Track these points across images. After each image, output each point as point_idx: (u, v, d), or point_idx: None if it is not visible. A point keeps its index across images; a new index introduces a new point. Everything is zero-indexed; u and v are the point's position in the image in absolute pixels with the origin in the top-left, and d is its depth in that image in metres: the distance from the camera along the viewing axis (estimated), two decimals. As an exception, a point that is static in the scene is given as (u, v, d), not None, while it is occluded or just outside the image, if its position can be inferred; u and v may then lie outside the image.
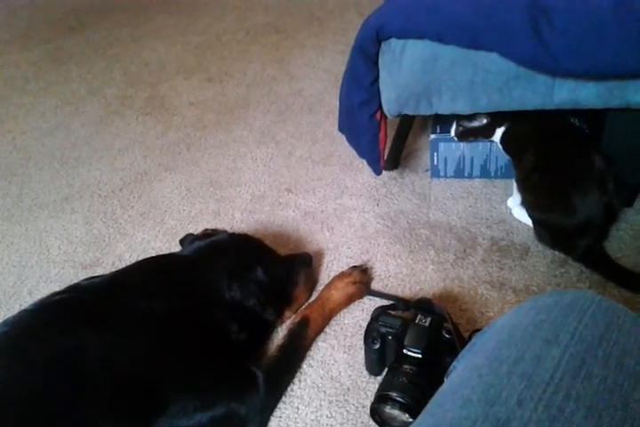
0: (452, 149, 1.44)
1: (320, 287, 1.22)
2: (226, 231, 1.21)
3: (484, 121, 1.30)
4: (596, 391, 0.43)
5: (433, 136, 1.44)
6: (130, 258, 1.40)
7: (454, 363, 0.60)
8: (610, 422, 0.42)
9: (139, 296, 0.96)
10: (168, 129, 1.94)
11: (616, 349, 0.47)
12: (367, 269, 1.25)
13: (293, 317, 1.14)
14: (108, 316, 0.91)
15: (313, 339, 1.11)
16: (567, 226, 1.16)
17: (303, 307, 1.17)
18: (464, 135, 1.36)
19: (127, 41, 2.72)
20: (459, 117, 1.33)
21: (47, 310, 0.93)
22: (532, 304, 0.55)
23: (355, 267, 1.23)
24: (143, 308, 0.94)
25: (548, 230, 1.21)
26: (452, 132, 1.37)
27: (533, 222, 1.25)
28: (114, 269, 1.35)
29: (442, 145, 1.44)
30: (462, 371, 0.52)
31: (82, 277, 1.34)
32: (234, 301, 1.03)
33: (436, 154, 1.46)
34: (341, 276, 1.20)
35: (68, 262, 1.43)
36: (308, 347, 1.10)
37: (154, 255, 1.19)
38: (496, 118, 1.29)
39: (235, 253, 1.11)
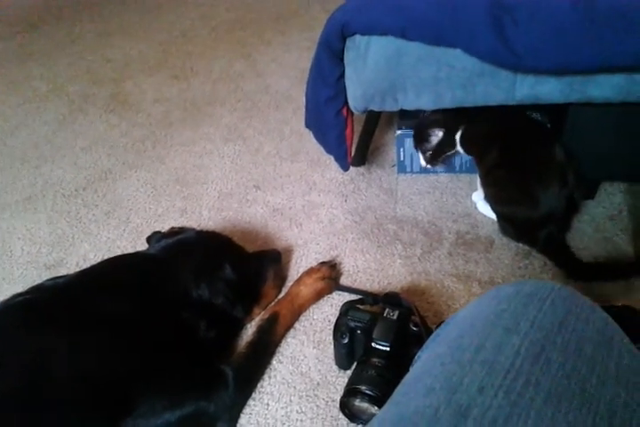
0: None
1: (289, 284, 1.22)
2: (194, 229, 1.20)
3: (440, 133, 1.32)
4: (554, 377, 0.44)
5: (399, 132, 1.45)
6: (94, 258, 1.38)
7: (419, 353, 0.61)
8: (568, 407, 0.43)
9: (104, 296, 0.95)
10: (133, 127, 1.92)
11: (574, 336, 0.49)
12: (336, 264, 1.25)
13: (262, 313, 1.14)
14: (73, 317, 0.90)
15: (282, 335, 1.11)
16: (530, 219, 1.18)
17: (272, 303, 1.17)
18: (435, 158, 1.37)
19: (90, 38, 2.67)
20: (418, 145, 1.36)
21: (11, 312, 0.91)
22: (494, 294, 0.56)
23: (323, 263, 1.24)
24: (109, 308, 0.93)
25: (511, 223, 1.23)
26: (423, 163, 1.38)
27: (497, 216, 1.27)
28: (78, 270, 1.33)
29: (407, 141, 1.45)
30: (425, 360, 0.53)
31: (46, 278, 1.31)
32: (202, 299, 1.03)
33: (402, 150, 1.48)
34: (310, 272, 1.20)
35: (32, 263, 1.40)
36: (277, 343, 1.10)
37: (119, 254, 1.17)
38: (450, 127, 1.32)
39: (203, 252, 1.10)
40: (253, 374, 1.04)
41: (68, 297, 0.94)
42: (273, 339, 1.09)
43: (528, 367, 0.45)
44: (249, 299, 1.14)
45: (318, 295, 1.18)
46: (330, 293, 1.19)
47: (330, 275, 1.20)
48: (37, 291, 0.97)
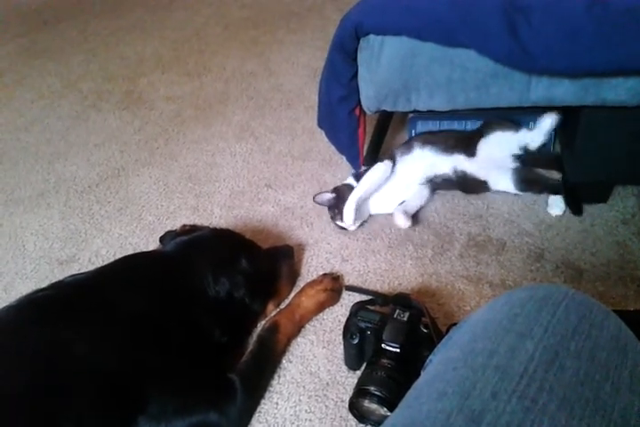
0: (428, 126, 1.48)
1: (300, 283, 1.23)
2: (207, 227, 1.21)
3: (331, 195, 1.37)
4: (568, 383, 0.44)
5: (411, 115, 1.47)
6: (107, 254, 1.39)
7: (430, 356, 0.60)
8: (582, 414, 0.42)
9: (122, 294, 0.95)
10: (145, 124, 1.93)
11: (588, 342, 0.48)
12: (339, 276, 1.23)
13: (263, 323, 1.12)
14: (91, 313, 0.90)
15: (285, 344, 1.09)
16: None
17: (273, 313, 1.15)
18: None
19: (104, 35, 2.68)
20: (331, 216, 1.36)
21: (29, 307, 0.91)
22: (507, 298, 0.56)
23: (325, 274, 1.22)
24: (127, 305, 0.93)
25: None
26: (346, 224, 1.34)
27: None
28: (90, 266, 1.35)
29: (419, 123, 1.48)
30: (438, 364, 0.52)
31: (58, 273, 1.34)
32: (219, 295, 1.03)
33: (413, 131, 1.51)
34: (312, 283, 1.18)
35: (44, 258, 1.41)
36: (279, 353, 1.08)
37: (137, 252, 1.18)
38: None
39: (218, 248, 1.11)
40: (257, 383, 1.01)
41: (87, 294, 0.94)
42: (274, 348, 1.06)
43: (542, 373, 0.45)
44: (264, 294, 1.14)
45: (320, 307, 1.16)
46: (332, 304, 1.17)
47: (332, 287, 1.17)
48: (57, 287, 0.98)
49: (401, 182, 1.37)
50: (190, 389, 0.91)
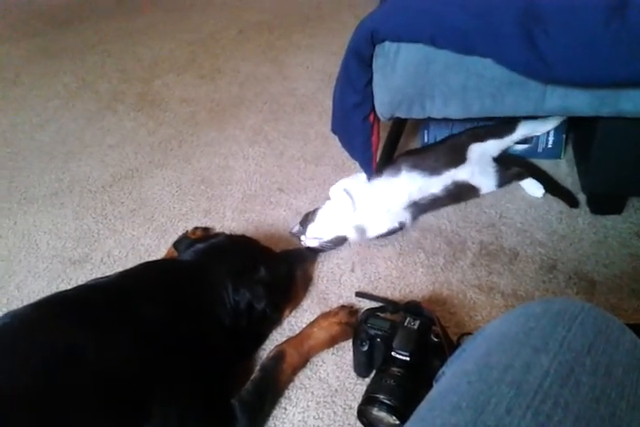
0: (440, 127, 1.50)
1: (310, 288, 1.23)
2: (223, 233, 1.21)
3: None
4: (583, 400, 0.44)
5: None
6: (119, 254, 1.39)
7: (443, 368, 0.60)
8: (597, 431, 0.42)
9: (142, 302, 0.95)
10: (160, 126, 1.94)
11: (604, 358, 0.48)
12: (357, 310, 1.16)
13: (268, 351, 1.07)
14: (109, 318, 0.90)
15: (290, 375, 1.04)
16: None
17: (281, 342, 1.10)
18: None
19: (120, 36, 2.70)
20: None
21: (50, 307, 0.92)
22: (522, 311, 0.55)
23: (343, 307, 1.16)
24: (143, 315, 0.93)
25: None
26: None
27: None
28: (102, 266, 1.36)
29: (432, 123, 1.51)
30: (452, 377, 0.52)
31: (70, 273, 1.35)
32: (237, 308, 1.02)
33: (426, 132, 1.54)
34: (327, 315, 1.13)
35: (57, 258, 1.42)
36: (284, 383, 1.03)
37: (159, 259, 1.20)
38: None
39: (237, 256, 1.10)
40: (258, 415, 0.98)
41: (106, 299, 0.94)
42: (277, 378, 1.02)
43: (557, 389, 0.44)
44: (282, 300, 1.13)
45: (332, 340, 1.09)
46: (345, 340, 1.10)
47: (347, 320, 1.11)
48: (78, 289, 0.98)
49: (383, 205, 1.33)
50: (192, 414, 0.90)
